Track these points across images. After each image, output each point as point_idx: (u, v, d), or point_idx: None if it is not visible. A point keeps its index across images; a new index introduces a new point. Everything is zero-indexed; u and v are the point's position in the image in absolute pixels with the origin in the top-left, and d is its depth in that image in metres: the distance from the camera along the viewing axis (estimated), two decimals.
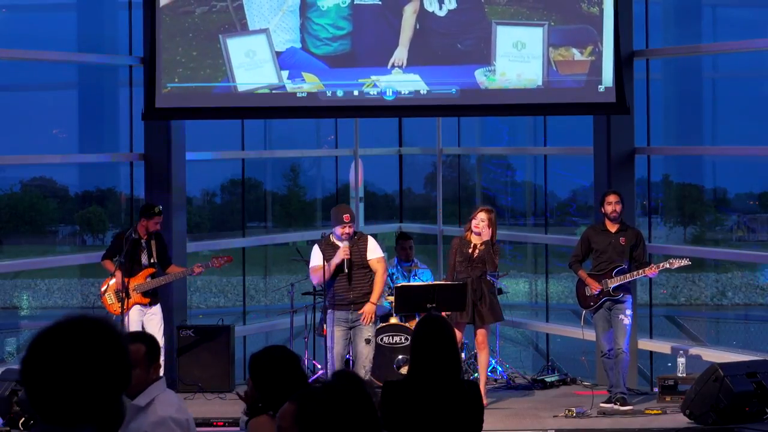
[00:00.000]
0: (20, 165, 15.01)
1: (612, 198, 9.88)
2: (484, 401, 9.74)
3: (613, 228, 9.86)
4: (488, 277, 10.02)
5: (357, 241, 9.50)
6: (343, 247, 9.33)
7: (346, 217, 9.43)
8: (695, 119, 13.40)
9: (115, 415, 2.41)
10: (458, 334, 9.89)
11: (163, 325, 10.27)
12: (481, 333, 9.90)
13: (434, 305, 9.93)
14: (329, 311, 9.49)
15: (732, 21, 13.62)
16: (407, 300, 10.02)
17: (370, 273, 9.54)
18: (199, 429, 8.76)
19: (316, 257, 9.46)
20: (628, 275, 9.67)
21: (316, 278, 9.60)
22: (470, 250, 9.80)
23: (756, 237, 20.02)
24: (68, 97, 13.56)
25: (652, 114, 11.61)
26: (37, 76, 13.61)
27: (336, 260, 9.34)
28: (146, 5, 11.00)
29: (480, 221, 9.77)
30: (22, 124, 14.29)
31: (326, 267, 9.33)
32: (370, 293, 9.55)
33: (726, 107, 13.54)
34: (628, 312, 9.74)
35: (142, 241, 10.14)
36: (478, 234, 9.77)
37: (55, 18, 13.98)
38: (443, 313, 9.90)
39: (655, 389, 10.25)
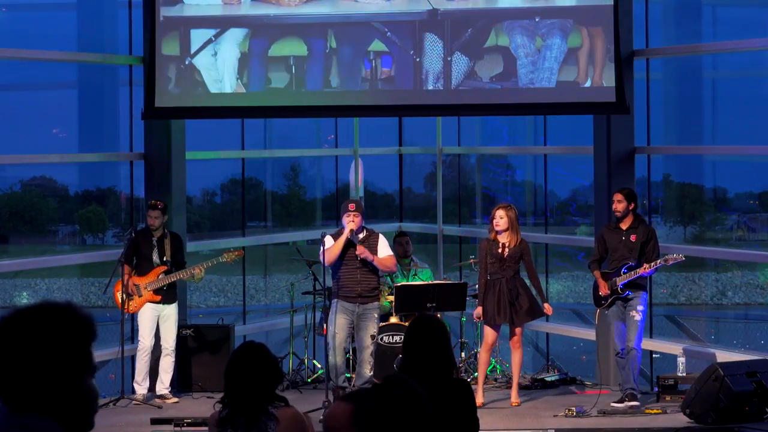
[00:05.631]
0: (20, 165, 15.02)
1: (615, 197, 9.86)
2: (517, 401, 9.80)
3: (624, 225, 9.83)
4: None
5: (368, 238, 9.58)
6: (349, 225, 9.40)
7: (351, 205, 9.60)
8: (695, 119, 13.40)
9: (77, 403, 2.39)
10: (493, 334, 9.90)
11: (175, 329, 10.28)
12: (517, 332, 9.88)
13: (434, 305, 9.94)
14: (334, 300, 9.52)
15: (732, 21, 13.63)
16: (407, 299, 10.02)
17: (378, 269, 9.60)
18: (199, 429, 8.79)
19: (329, 242, 9.55)
20: (632, 273, 9.64)
21: (327, 258, 9.60)
22: (500, 250, 9.80)
23: (756, 236, 20.03)
24: (68, 97, 13.56)
25: (652, 114, 11.61)
26: (37, 76, 13.62)
27: (344, 235, 9.40)
28: (146, 5, 11.01)
29: (499, 218, 9.82)
30: (22, 124, 14.30)
31: (334, 245, 9.43)
32: (377, 288, 9.60)
33: (726, 107, 13.55)
34: (640, 308, 9.69)
35: (154, 239, 10.16)
36: (499, 232, 9.82)
37: (55, 18, 13.99)
38: (477, 313, 9.87)
39: (655, 389, 10.25)
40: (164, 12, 10.85)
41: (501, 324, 9.85)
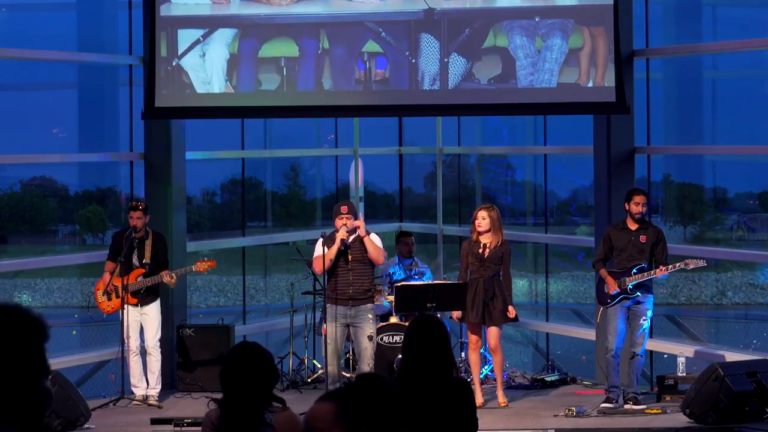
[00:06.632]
0: (20, 165, 15.03)
1: (640, 199, 9.73)
2: (504, 401, 9.78)
3: (633, 226, 9.78)
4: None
5: (359, 236, 9.49)
6: (342, 231, 9.33)
7: (343, 208, 9.47)
8: (695, 119, 13.40)
9: (32, 406, 2.33)
10: (474, 335, 9.89)
11: (159, 327, 10.22)
12: (492, 334, 9.83)
13: (434, 305, 9.93)
14: (329, 306, 9.48)
15: (732, 21, 13.63)
16: (407, 299, 10.01)
17: (369, 269, 9.52)
18: (199, 429, 8.80)
19: (319, 249, 9.48)
20: (645, 274, 9.60)
21: (318, 267, 9.57)
22: (480, 250, 9.79)
23: (756, 236, 20.05)
24: (68, 96, 13.56)
25: (652, 114, 11.60)
26: (37, 76, 13.63)
27: (335, 246, 9.33)
28: (146, 5, 11.00)
29: (481, 219, 9.79)
30: (22, 124, 14.31)
31: (326, 253, 9.33)
32: (369, 290, 9.53)
33: (726, 107, 13.55)
34: (649, 314, 9.68)
35: (135, 241, 10.11)
36: (481, 233, 9.79)
37: (55, 18, 13.99)
38: (454, 314, 9.90)
39: (655, 389, 10.25)
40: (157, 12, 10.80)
41: (477, 323, 9.84)
